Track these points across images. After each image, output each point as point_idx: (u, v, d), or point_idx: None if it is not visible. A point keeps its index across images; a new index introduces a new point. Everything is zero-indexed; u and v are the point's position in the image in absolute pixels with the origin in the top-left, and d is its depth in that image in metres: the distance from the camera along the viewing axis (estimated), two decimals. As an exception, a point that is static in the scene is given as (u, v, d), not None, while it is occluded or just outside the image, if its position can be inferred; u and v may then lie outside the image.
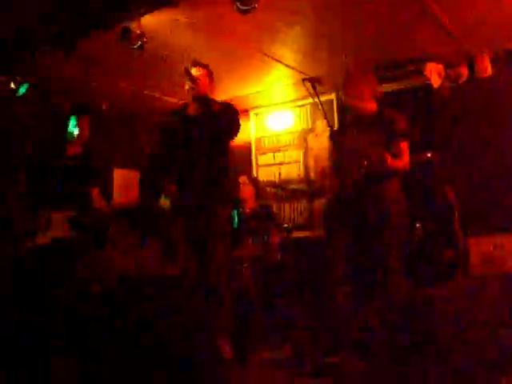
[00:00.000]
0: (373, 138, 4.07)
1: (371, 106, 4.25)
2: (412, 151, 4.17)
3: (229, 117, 4.32)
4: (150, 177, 5.59)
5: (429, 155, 5.01)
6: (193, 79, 4.21)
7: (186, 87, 4.29)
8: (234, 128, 4.35)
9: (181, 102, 4.59)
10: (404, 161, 4.10)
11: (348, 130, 4.38)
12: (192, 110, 4.42)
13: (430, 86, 5.08)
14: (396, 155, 4.04)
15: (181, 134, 4.39)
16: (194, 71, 4.33)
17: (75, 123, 4.69)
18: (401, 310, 3.28)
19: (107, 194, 5.90)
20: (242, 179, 6.02)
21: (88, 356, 2.92)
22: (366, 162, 3.95)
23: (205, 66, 4.44)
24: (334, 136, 4.46)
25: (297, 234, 6.29)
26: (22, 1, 4.38)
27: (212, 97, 4.41)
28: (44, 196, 4.56)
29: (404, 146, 4.11)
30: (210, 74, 4.45)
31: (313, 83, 4.09)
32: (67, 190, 4.62)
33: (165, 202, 4.37)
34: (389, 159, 3.92)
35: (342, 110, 5.95)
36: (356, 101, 4.21)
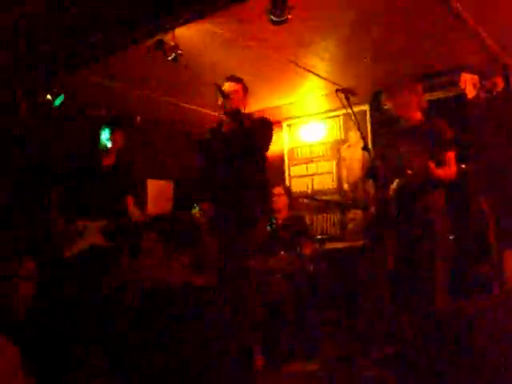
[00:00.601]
0: (418, 148, 4.06)
1: (417, 115, 4.25)
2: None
3: (262, 131, 4.33)
4: (187, 190, 5.64)
5: (463, 166, 4.95)
6: (224, 95, 4.23)
7: (219, 102, 4.31)
8: (267, 142, 4.36)
9: (215, 114, 4.63)
10: (450, 170, 4.06)
11: (392, 140, 4.39)
12: (226, 126, 4.44)
13: (464, 96, 5.02)
14: (441, 164, 3.99)
15: (216, 150, 4.41)
16: (228, 86, 4.35)
17: (109, 135, 4.75)
18: (439, 323, 3.24)
19: (141, 204, 5.97)
20: (277, 190, 6.02)
21: (117, 365, 2.95)
22: (409, 171, 3.92)
23: (239, 81, 4.45)
24: (366, 146, 4.44)
25: (329, 246, 6.26)
26: (59, 16, 4.47)
27: (245, 111, 4.42)
28: (80, 206, 4.62)
29: (450, 155, 4.07)
30: (244, 89, 4.46)
31: (346, 94, 4.09)
32: (102, 200, 4.68)
33: (198, 213, 4.40)
34: (433, 167, 3.87)
35: (381, 119, 5.87)
36: (402, 110, 4.22)
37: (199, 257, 4.82)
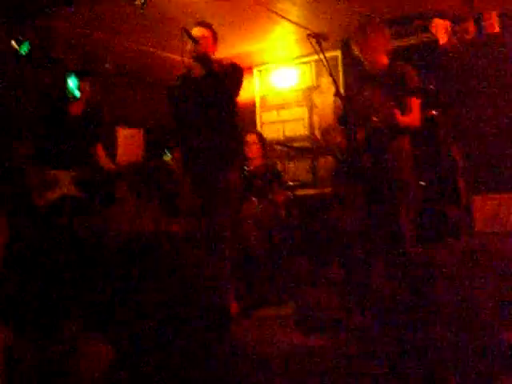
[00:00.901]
0: (383, 93, 4.04)
1: (383, 60, 4.20)
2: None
3: (232, 76, 4.28)
4: (157, 136, 5.58)
5: (434, 113, 4.98)
6: (194, 40, 4.15)
7: (188, 48, 4.23)
8: (237, 87, 4.32)
9: (183, 61, 4.56)
10: (414, 117, 4.06)
11: (358, 85, 4.35)
12: (195, 71, 4.37)
13: (436, 42, 5.02)
14: (406, 111, 4.00)
15: (186, 96, 4.36)
16: (197, 31, 4.27)
17: (77, 84, 4.65)
18: (405, 269, 3.31)
19: (111, 152, 5.91)
20: (251, 138, 5.99)
21: (92, 316, 2.97)
22: (375, 118, 3.92)
23: (208, 26, 4.37)
24: (338, 92, 4.42)
25: (301, 192, 6.30)
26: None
27: (215, 57, 4.36)
28: (49, 155, 4.56)
29: (415, 101, 4.06)
30: (213, 34, 4.38)
31: (317, 39, 4.03)
32: (72, 149, 4.62)
33: (170, 159, 4.37)
34: (398, 114, 3.88)
35: (352, 64, 5.82)
36: (368, 54, 4.16)
37: (173, 203, 4.83)
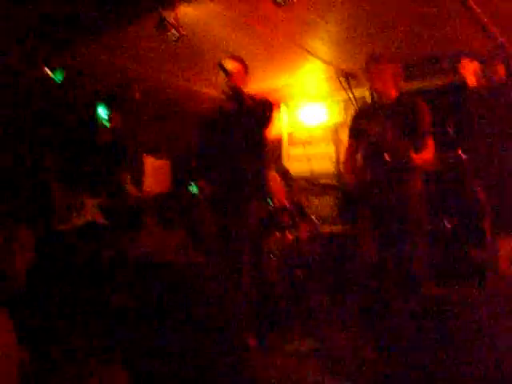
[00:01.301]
0: (395, 129, 3.97)
1: (393, 92, 4.16)
2: (443, 149, 4.09)
3: (263, 112, 4.33)
4: (185, 167, 5.62)
5: (460, 153, 4.94)
6: (227, 73, 4.21)
7: (221, 81, 4.30)
8: (268, 123, 4.37)
9: (214, 93, 4.62)
10: (429, 154, 4.00)
11: (369, 118, 4.26)
12: (226, 104, 4.43)
13: (464, 83, 5.01)
14: (421, 150, 3.94)
15: (217, 128, 4.41)
16: (230, 65, 4.33)
17: (107, 113, 4.73)
18: (425, 309, 3.26)
19: (138, 181, 5.97)
20: (273, 172, 6.02)
21: (114, 339, 2.98)
22: (387, 155, 3.89)
23: (241, 60, 4.44)
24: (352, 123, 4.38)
25: (325, 229, 6.28)
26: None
27: (246, 90, 4.42)
28: (77, 181, 4.63)
29: (429, 139, 4.01)
30: (245, 68, 4.45)
31: (346, 77, 4.07)
32: (99, 175, 4.69)
33: (195, 190, 4.40)
34: (414, 157, 3.84)
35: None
36: (378, 85, 4.13)
37: (197, 234, 4.84)
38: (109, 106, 4.72)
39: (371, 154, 4.10)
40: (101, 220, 4.51)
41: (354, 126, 4.37)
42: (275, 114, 4.49)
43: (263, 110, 4.35)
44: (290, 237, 5.58)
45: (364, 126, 4.24)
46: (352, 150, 4.41)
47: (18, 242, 2.47)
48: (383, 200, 3.96)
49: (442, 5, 4.64)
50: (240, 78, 4.36)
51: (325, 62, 6.06)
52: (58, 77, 5.24)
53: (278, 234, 5.57)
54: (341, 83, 4.04)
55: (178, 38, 4.58)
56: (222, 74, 4.25)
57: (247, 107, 4.22)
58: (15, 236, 2.47)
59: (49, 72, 5.20)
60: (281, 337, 4.73)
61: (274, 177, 5.98)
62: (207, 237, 4.40)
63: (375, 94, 4.22)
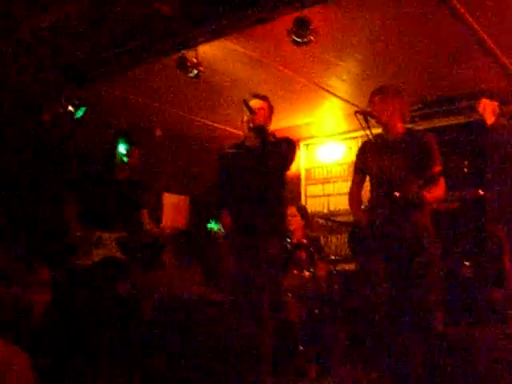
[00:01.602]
0: (404, 165, 3.92)
1: (399, 126, 4.09)
2: (464, 188, 4.03)
3: (286, 150, 4.36)
4: (204, 204, 5.64)
5: (480, 192, 4.91)
6: (252, 111, 4.25)
7: (245, 118, 4.34)
8: (290, 161, 4.39)
9: (233, 131, 4.66)
10: (441, 191, 3.90)
11: (374, 152, 4.17)
12: (250, 141, 4.46)
13: (483, 122, 5.01)
14: (431, 186, 3.84)
15: (238, 165, 4.44)
16: (255, 103, 4.38)
17: (126, 150, 4.76)
18: (439, 347, 3.21)
19: (157, 217, 5.99)
20: (292, 210, 6.01)
21: (130, 376, 2.96)
22: (397, 193, 3.84)
23: (265, 99, 4.48)
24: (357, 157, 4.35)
25: (343, 267, 6.24)
26: (81, 32, 4.55)
27: (269, 128, 4.44)
28: (96, 216, 4.65)
29: (440, 176, 3.89)
30: (270, 107, 4.49)
31: (365, 116, 4.05)
32: (117, 212, 4.71)
33: (214, 228, 4.40)
34: (426, 194, 3.76)
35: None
36: (385, 118, 4.03)
37: (215, 271, 4.83)
38: (128, 143, 4.75)
39: (379, 190, 4.08)
40: (119, 255, 4.52)
41: (359, 161, 4.34)
42: (296, 153, 4.52)
43: (285, 148, 4.37)
44: (307, 274, 5.54)
45: (370, 161, 4.18)
46: (357, 185, 4.39)
47: (37, 279, 2.48)
48: (392, 237, 3.91)
49: (460, 44, 4.67)
50: (264, 116, 4.40)
51: (343, 100, 6.11)
52: (79, 114, 5.32)
53: (295, 271, 5.55)
54: (359, 121, 4.02)
55: (198, 74, 4.65)
56: (246, 111, 4.29)
57: (270, 145, 4.25)
58: (34, 273, 2.48)
59: (71, 109, 5.28)
60: (299, 376, 4.68)
61: (292, 213, 5.97)
62: (224, 274, 4.38)
63: (382, 127, 4.16)
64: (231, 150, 4.59)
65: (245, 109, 4.25)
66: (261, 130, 4.29)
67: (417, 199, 3.78)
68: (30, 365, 1.76)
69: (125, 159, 4.74)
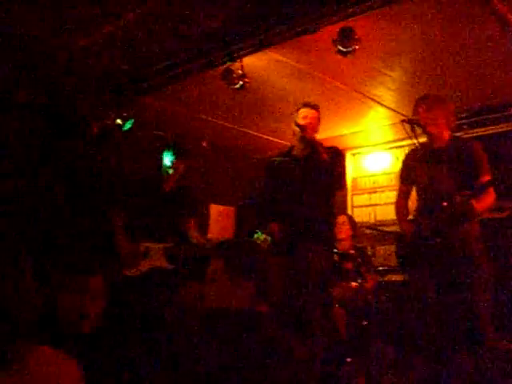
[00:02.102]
0: (450, 174, 3.84)
1: (446, 134, 4.03)
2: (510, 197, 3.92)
3: (337, 160, 4.36)
4: (251, 214, 5.64)
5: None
6: (302, 120, 4.28)
7: (295, 128, 4.36)
8: (343, 171, 4.39)
9: (282, 142, 4.66)
10: (490, 200, 3.81)
11: (420, 162, 4.12)
12: (299, 151, 4.47)
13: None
14: (480, 196, 3.76)
15: (286, 173, 4.45)
16: (306, 112, 4.39)
17: (171, 162, 4.79)
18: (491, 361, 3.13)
19: (204, 228, 6.02)
20: (341, 219, 5.98)
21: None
22: (445, 204, 3.78)
23: (316, 107, 4.50)
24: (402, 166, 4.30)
25: (390, 278, 6.17)
26: (130, 46, 4.64)
27: (316, 139, 4.44)
28: (142, 227, 4.70)
29: (488, 185, 3.80)
30: (319, 116, 4.50)
31: (411, 124, 3.99)
32: (163, 223, 4.75)
33: (260, 238, 4.39)
34: (475, 205, 3.68)
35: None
36: (431, 126, 3.96)
37: (262, 284, 4.81)
38: (174, 155, 4.80)
39: (426, 200, 4.01)
40: (166, 265, 4.55)
41: (405, 171, 4.29)
42: (344, 162, 4.52)
43: (336, 157, 4.37)
44: (354, 285, 5.49)
45: (416, 171, 4.14)
46: (403, 196, 4.34)
47: (92, 289, 2.52)
48: (440, 248, 3.82)
49: (508, 51, 4.59)
50: (314, 124, 4.41)
51: (389, 108, 6.06)
52: (127, 126, 5.41)
53: (342, 282, 5.51)
54: (405, 130, 3.97)
55: (243, 86, 4.68)
56: (296, 120, 4.31)
57: (319, 154, 4.25)
58: (89, 283, 2.53)
59: (119, 122, 5.37)
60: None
61: (343, 222, 5.94)
62: (272, 285, 4.37)
63: (427, 136, 4.07)
64: (278, 159, 4.60)
65: (295, 117, 4.29)
66: (312, 142, 4.31)
67: (465, 209, 3.71)
68: (81, 375, 1.78)
69: (170, 171, 4.79)
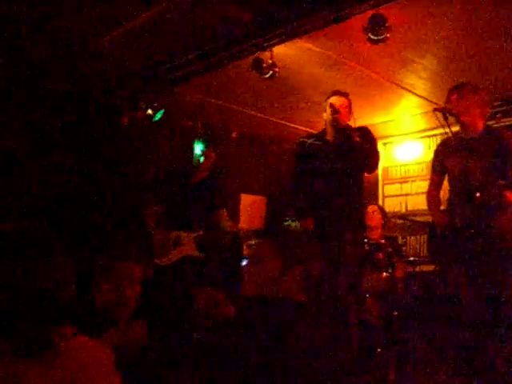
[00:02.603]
0: (483, 164, 3.80)
1: (479, 124, 3.97)
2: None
3: (372, 147, 4.34)
4: (281, 201, 5.64)
5: None
6: (334, 108, 4.26)
7: (327, 116, 4.35)
8: (374, 161, 4.38)
9: (312, 131, 4.64)
10: None
11: (453, 152, 4.07)
12: (331, 137, 4.46)
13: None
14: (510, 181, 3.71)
15: (318, 158, 4.44)
16: (336, 100, 4.38)
17: (202, 152, 4.83)
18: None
19: (234, 217, 6.04)
20: (372, 207, 5.97)
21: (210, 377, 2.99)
22: (479, 194, 3.74)
23: (346, 95, 4.48)
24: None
25: (422, 268, 6.11)
26: (161, 37, 4.66)
27: (349, 124, 4.44)
28: (173, 217, 4.74)
29: None
30: (350, 103, 4.49)
31: (443, 113, 3.94)
32: (195, 212, 4.78)
33: (292, 226, 4.40)
34: (509, 196, 3.62)
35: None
36: (464, 116, 3.91)
37: (296, 270, 4.82)
38: (204, 144, 4.83)
39: (459, 191, 3.97)
40: (197, 254, 4.59)
41: (437, 161, 4.24)
42: (376, 143, 4.50)
43: (371, 144, 4.36)
44: (385, 275, 5.46)
45: (449, 161, 4.09)
46: (435, 186, 4.29)
47: (131, 276, 2.57)
48: (474, 239, 3.77)
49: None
50: (345, 112, 4.40)
51: (421, 97, 5.99)
52: (157, 116, 5.45)
53: (373, 272, 5.48)
54: (437, 119, 3.92)
55: (273, 75, 4.68)
56: (328, 108, 4.31)
57: (354, 143, 4.24)
58: (128, 270, 2.57)
59: (150, 112, 5.41)
60: (377, 379, 4.62)
61: (374, 210, 5.92)
62: (307, 273, 4.37)
63: (461, 126, 4.02)
64: (309, 140, 4.59)
65: (328, 106, 4.28)
66: (344, 129, 4.30)
67: (499, 201, 3.66)
68: (114, 360, 1.80)
69: (201, 159, 4.82)
